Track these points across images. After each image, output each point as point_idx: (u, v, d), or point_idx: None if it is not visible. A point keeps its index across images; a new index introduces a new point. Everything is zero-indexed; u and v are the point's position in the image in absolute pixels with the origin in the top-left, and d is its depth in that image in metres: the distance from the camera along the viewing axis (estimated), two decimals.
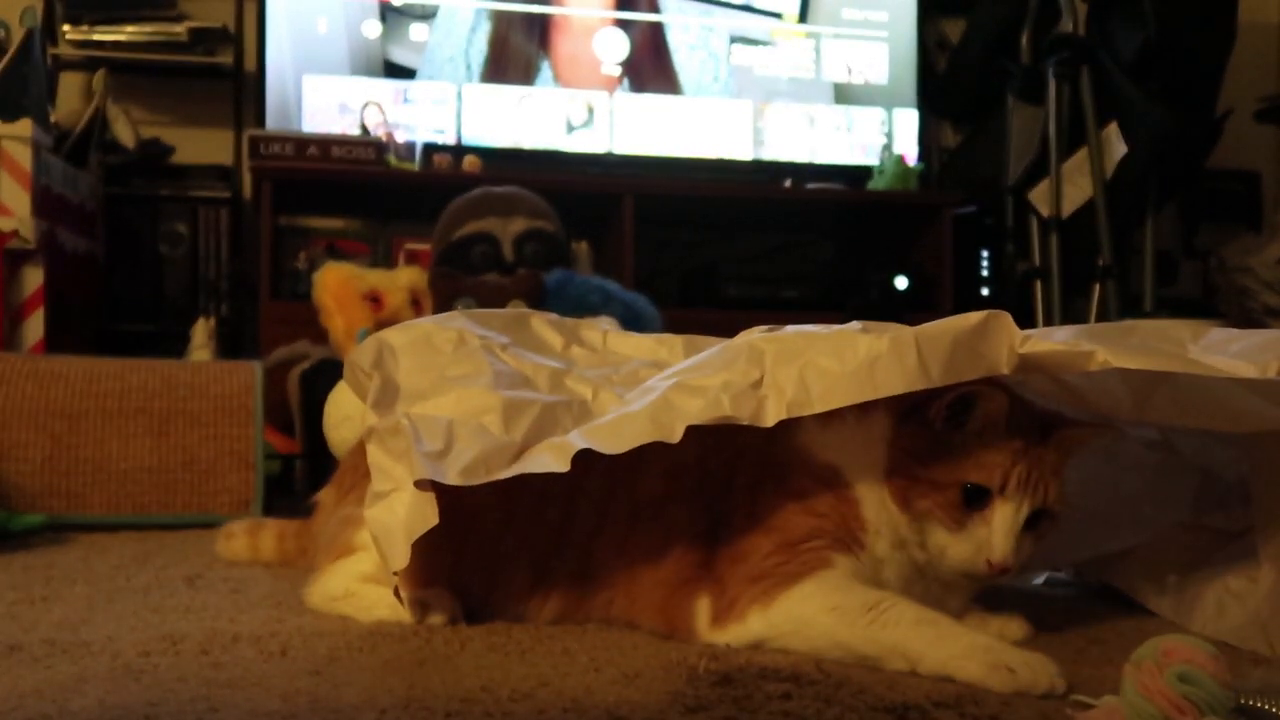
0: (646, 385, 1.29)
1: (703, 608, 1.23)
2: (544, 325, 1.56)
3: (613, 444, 1.18)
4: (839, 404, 1.16)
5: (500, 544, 1.32)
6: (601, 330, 1.59)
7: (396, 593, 1.26)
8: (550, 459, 1.19)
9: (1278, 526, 1.25)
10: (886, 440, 1.22)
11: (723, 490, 1.27)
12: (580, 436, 1.21)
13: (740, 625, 1.20)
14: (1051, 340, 1.17)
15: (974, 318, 1.16)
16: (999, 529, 1.17)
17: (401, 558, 1.18)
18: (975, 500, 1.17)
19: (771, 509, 1.23)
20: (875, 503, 1.22)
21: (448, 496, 1.23)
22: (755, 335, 1.28)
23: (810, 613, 1.16)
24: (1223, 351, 1.14)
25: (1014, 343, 1.16)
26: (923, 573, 1.22)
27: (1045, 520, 1.19)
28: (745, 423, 1.17)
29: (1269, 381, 1.09)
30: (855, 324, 1.24)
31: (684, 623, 1.24)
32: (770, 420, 1.17)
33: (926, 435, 1.20)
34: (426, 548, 1.22)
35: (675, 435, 1.17)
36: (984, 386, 1.16)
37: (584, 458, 1.21)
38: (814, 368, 1.17)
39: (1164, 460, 1.41)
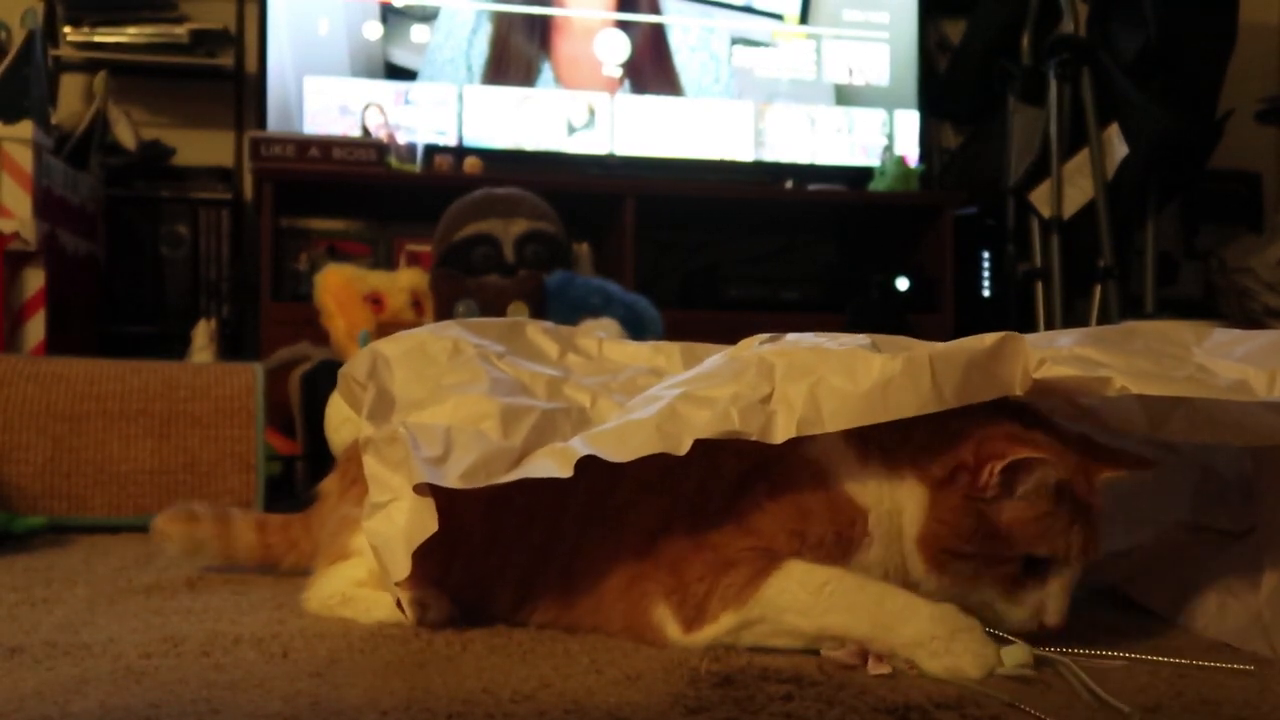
0: (651, 394, 1.28)
1: (668, 622, 1.23)
2: (539, 333, 1.56)
3: (618, 452, 1.17)
4: (849, 424, 1.15)
5: (486, 562, 1.31)
6: (597, 338, 1.59)
7: (399, 604, 1.26)
8: (552, 464, 1.18)
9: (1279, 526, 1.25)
10: (921, 508, 1.18)
11: (699, 494, 1.24)
12: (584, 443, 1.20)
13: (715, 626, 1.19)
14: (1056, 346, 1.17)
15: (988, 339, 1.16)
16: (1056, 594, 1.16)
17: (403, 568, 1.18)
18: (1033, 569, 1.16)
19: (758, 512, 1.21)
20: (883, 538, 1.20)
21: (440, 509, 1.23)
22: (763, 347, 1.27)
23: (789, 597, 1.16)
24: (1228, 355, 1.14)
25: (1028, 365, 1.15)
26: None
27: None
28: (754, 438, 1.16)
29: None
30: (864, 338, 1.23)
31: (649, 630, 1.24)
32: (779, 437, 1.16)
33: (971, 507, 1.16)
34: (417, 558, 1.22)
35: (682, 447, 1.16)
36: (1037, 454, 1.13)
37: (572, 480, 1.19)
38: (826, 386, 1.16)
39: (1162, 458, 1.41)
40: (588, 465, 1.18)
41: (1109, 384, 1.12)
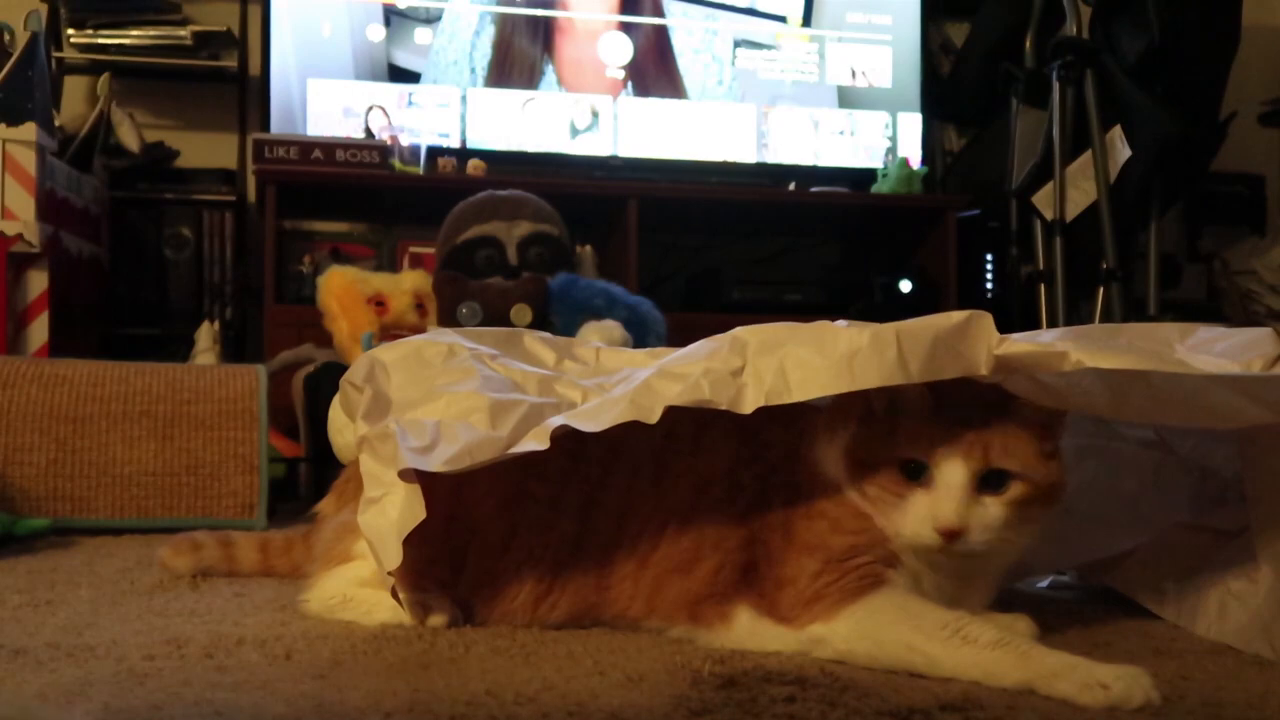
0: (631, 376, 1.31)
1: (743, 613, 1.24)
2: (536, 342, 1.57)
3: (592, 424, 1.20)
4: (816, 394, 1.17)
5: (502, 560, 1.32)
6: (594, 347, 1.60)
7: (395, 594, 1.27)
8: (532, 441, 1.22)
9: (1274, 526, 1.25)
10: (848, 447, 1.24)
11: (756, 504, 1.27)
12: (561, 418, 1.23)
13: (798, 633, 1.20)
14: (1028, 342, 1.18)
15: (956, 317, 1.17)
16: (940, 494, 1.17)
17: (395, 557, 1.20)
18: (915, 475, 1.18)
19: (806, 528, 1.23)
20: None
21: (448, 511, 1.25)
22: (739, 328, 1.30)
23: (885, 623, 1.16)
24: (1208, 351, 1.15)
25: (991, 344, 1.16)
26: (944, 574, 1.23)
27: (1012, 482, 1.17)
28: (723, 408, 1.18)
29: (1245, 378, 1.09)
30: (841, 321, 1.25)
31: (720, 627, 1.25)
32: (748, 407, 1.18)
33: (871, 429, 1.21)
34: (426, 559, 1.23)
35: (654, 416, 1.19)
36: (905, 385, 1.17)
37: (601, 469, 1.25)
38: (794, 358, 1.18)
39: (1161, 459, 1.42)
40: (621, 457, 1.25)
41: (1065, 358, 1.14)
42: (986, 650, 1.09)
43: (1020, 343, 1.16)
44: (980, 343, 1.17)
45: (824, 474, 1.25)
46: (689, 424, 1.30)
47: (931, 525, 1.16)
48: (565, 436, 1.24)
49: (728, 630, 1.24)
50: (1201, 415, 1.18)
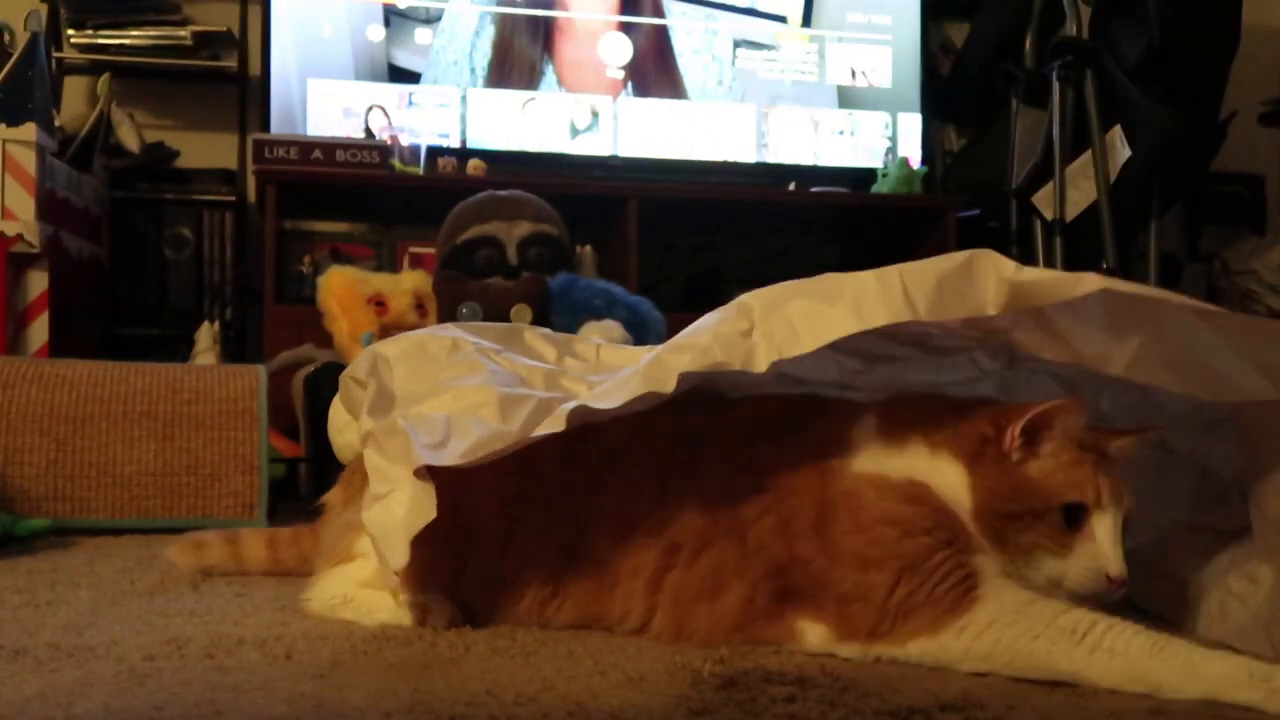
0: (642, 358, 1.31)
1: (807, 627, 1.21)
2: (537, 338, 1.57)
3: (607, 403, 1.21)
4: (828, 340, 1.17)
5: (504, 563, 1.32)
6: (595, 344, 1.60)
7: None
8: (548, 424, 1.22)
9: (1274, 526, 1.25)
10: (965, 484, 1.19)
11: (775, 536, 1.22)
12: (575, 401, 1.24)
13: (895, 649, 1.16)
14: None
15: (958, 257, 1.17)
16: (1105, 541, 1.16)
17: (401, 556, 1.19)
18: (1074, 520, 1.16)
19: (864, 542, 1.18)
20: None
21: (449, 512, 1.24)
22: (742, 295, 1.30)
23: (1011, 636, 1.11)
24: None
25: (1003, 274, 1.15)
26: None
27: (1127, 530, 1.19)
28: (737, 369, 1.18)
29: (1265, 324, 1.10)
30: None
31: (789, 641, 1.22)
32: (762, 365, 1.18)
33: (1005, 471, 1.18)
34: (427, 561, 1.22)
35: (669, 386, 1.19)
36: (1051, 404, 1.17)
37: (598, 482, 1.25)
38: (801, 310, 1.19)
39: (1161, 459, 1.42)
40: (618, 466, 1.26)
41: (1080, 282, 1.13)
42: (1144, 660, 1.06)
43: (1034, 270, 1.15)
44: (987, 279, 1.16)
45: (892, 480, 1.20)
46: (684, 447, 1.30)
47: (1103, 574, 1.15)
48: (562, 441, 1.24)
49: (796, 642, 1.21)
50: (1206, 385, 1.18)
